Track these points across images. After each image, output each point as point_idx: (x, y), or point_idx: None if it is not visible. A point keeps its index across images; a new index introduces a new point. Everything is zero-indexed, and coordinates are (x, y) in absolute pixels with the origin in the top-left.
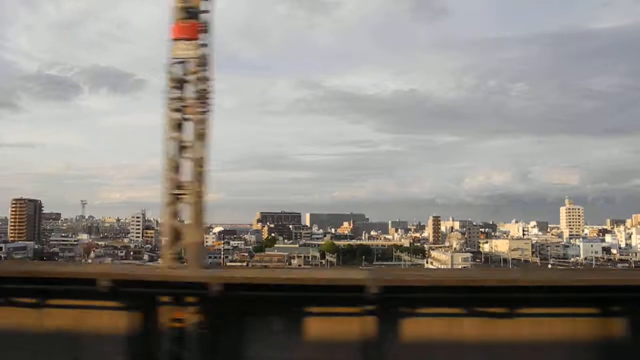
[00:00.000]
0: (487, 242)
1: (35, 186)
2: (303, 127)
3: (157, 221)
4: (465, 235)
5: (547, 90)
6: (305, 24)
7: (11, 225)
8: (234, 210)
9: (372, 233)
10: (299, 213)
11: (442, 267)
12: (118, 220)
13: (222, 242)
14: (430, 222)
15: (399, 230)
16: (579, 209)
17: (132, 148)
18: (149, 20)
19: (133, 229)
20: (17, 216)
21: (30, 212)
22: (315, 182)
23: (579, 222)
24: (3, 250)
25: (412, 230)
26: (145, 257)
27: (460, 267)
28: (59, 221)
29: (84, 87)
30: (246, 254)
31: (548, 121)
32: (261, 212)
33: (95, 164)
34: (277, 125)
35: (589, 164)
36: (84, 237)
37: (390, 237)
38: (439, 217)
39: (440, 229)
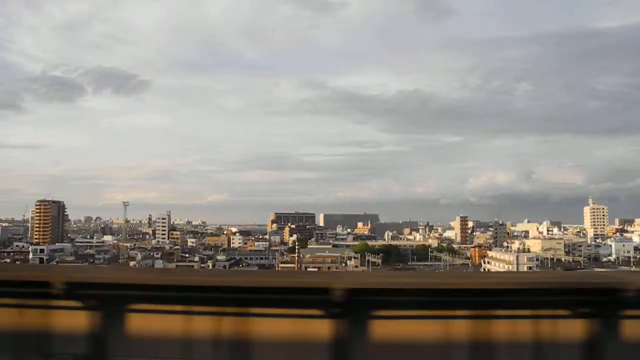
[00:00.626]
0: (515, 242)
1: (39, 187)
2: (307, 127)
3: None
4: (492, 235)
5: (551, 89)
6: (310, 24)
7: (35, 227)
8: (239, 210)
9: (388, 233)
10: (313, 214)
11: (506, 268)
12: (127, 221)
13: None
14: (457, 222)
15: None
16: (603, 209)
17: (136, 149)
18: (152, 22)
19: (158, 230)
20: (41, 217)
21: (54, 214)
22: (319, 182)
23: (603, 221)
24: (45, 252)
25: (425, 229)
26: (196, 258)
27: (525, 267)
28: (69, 222)
29: (88, 88)
30: (295, 256)
31: (552, 121)
32: (275, 213)
33: (99, 165)
34: (281, 126)
35: (593, 164)
36: (107, 238)
37: (411, 237)
38: (467, 217)
39: (467, 228)
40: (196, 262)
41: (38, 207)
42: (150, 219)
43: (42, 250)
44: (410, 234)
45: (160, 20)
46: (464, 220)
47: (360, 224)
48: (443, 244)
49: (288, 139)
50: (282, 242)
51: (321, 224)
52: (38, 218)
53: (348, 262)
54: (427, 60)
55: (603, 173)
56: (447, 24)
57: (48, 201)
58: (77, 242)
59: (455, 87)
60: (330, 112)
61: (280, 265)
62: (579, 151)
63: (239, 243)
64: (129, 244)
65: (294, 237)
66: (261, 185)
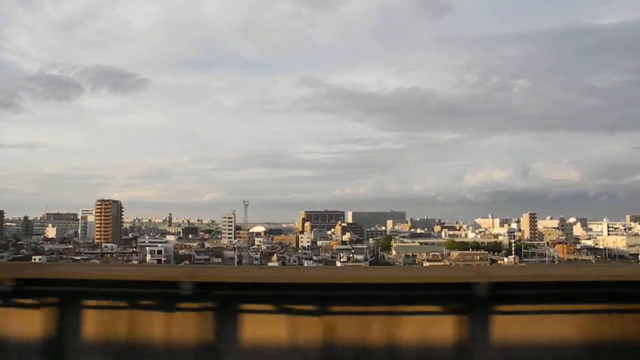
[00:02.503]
0: (590, 239)
1: (35, 186)
2: (305, 125)
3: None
4: (563, 232)
5: (549, 86)
6: (308, 22)
7: (96, 227)
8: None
9: (419, 231)
10: (343, 212)
11: None
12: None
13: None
14: (526, 218)
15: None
16: None
17: (132, 148)
18: (148, 20)
19: (225, 229)
20: (102, 217)
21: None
22: (317, 180)
23: None
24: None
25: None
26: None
27: None
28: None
29: (86, 87)
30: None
31: (550, 118)
32: (305, 212)
33: (96, 163)
34: (278, 124)
35: (590, 160)
36: (171, 238)
37: (459, 232)
38: (535, 214)
39: (536, 225)
40: (314, 260)
41: (99, 206)
42: (170, 218)
43: (159, 252)
44: (440, 230)
45: (156, 18)
46: (532, 217)
47: (389, 222)
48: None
49: (285, 136)
50: (343, 242)
51: (349, 221)
52: (99, 217)
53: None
54: (425, 57)
55: (600, 170)
56: (445, 21)
57: (108, 201)
58: (143, 242)
59: (453, 84)
60: (328, 110)
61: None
62: (576, 148)
63: (308, 242)
64: (195, 244)
65: (347, 235)
66: (259, 183)
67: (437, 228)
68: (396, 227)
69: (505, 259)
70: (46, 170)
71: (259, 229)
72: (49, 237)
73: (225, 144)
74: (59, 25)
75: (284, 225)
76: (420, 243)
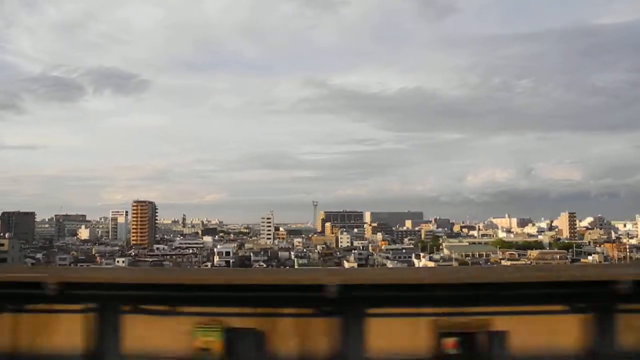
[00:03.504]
0: (632, 237)
1: (36, 188)
2: (306, 126)
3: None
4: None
5: (551, 86)
6: (310, 23)
7: (132, 228)
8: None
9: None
10: (361, 212)
11: None
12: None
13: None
14: (564, 218)
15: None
16: None
17: (134, 149)
18: (149, 21)
19: (263, 230)
20: (138, 218)
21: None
22: (318, 181)
23: None
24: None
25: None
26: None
27: None
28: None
29: (88, 89)
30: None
31: (552, 117)
32: (325, 212)
33: (98, 165)
34: (280, 125)
35: (592, 160)
36: (207, 239)
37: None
38: (574, 213)
39: (575, 225)
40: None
41: (135, 207)
42: (184, 219)
43: (227, 253)
44: (461, 230)
45: (158, 19)
46: (572, 217)
47: (408, 222)
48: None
49: (287, 137)
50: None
51: (366, 221)
52: (135, 218)
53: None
54: (428, 58)
55: (602, 169)
56: (448, 22)
57: (145, 202)
58: (180, 243)
59: (455, 84)
60: (330, 111)
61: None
62: (578, 148)
63: (347, 242)
64: (234, 244)
65: (379, 235)
66: (260, 184)
67: (456, 228)
68: (416, 227)
69: (590, 257)
70: (47, 172)
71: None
72: (83, 238)
73: (227, 145)
74: (60, 26)
75: (293, 226)
76: (469, 242)
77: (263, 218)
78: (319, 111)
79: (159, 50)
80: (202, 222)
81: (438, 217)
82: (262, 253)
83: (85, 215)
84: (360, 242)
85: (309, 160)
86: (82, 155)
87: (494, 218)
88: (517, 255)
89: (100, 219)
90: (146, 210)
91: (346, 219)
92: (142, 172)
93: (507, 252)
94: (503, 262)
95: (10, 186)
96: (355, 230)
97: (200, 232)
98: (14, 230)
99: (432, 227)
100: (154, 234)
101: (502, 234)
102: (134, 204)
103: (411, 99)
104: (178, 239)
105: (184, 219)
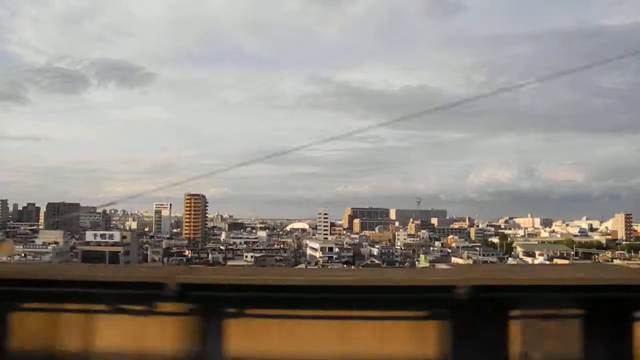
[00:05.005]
0: None
1: (38, 179)
2: (310, 122)
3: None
4: None
5: (556, 87)
6: (315, 19)
7: (186, 221)
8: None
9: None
10: (387, 209)
11: None
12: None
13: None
14: (620, 219)
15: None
16: None
17: (137, 142)
18: (153, 14)
19: (320, 226)
20: (192, 211)
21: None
22: (320, 177)
23: None
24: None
25: (504, 226)
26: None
27: None
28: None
29: (92, 81)
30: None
31: (556, 118)
32: (352, 208)
33: (100, 157)
34: (283, 120)
35: (595, 162)
36: (262, 234)
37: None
38: (631, 214)
39: (632, 226)
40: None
41: (188, 200)
42: (221, 216)
43: (330, 248)
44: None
45: (162, 12)
46: (628, 218)
47: (434, 220)
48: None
49: (290, 133)
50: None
51: (392, 218)
52: (188, 211)
53: None
54: (433, 56)
55: (605, 171)
56: (454, 20)
57: (198, 195)
58: (233, 237)
59: (460, 83)
60: (334, 107)
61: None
62: (581, 149)
63: (405, 239)
64: (290, 240)
65: (422, 232)
66: (262, 179)
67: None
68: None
69: None
70: (49, 163)
71: (302, 225)
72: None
73: (229, 140)
74: (65, 18)
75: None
76: (539, 242)
77: (320, 214)
78: (323, 107)
79: (163, 44)
80: (221, 217)
81: (455, 216)
82: (345, 250)
83: (95, 207)
84: (412, 239)
85: (312, 156)
86: (85, 147)
87: (517, 218)
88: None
89: (111, 210)
90: (199, 204)
91: (372, 216)
92: (144, 165)
93: (616, 252)
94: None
95: (12, 177)
96: (398, 226)
97: (226, 226)
98: (57, 221)
99: (463, 225)
100: (203, 227)
101: (544, 234)
102: (187, 197)
103: (415, 97)
104: (223, 233)
105: (220, 216)
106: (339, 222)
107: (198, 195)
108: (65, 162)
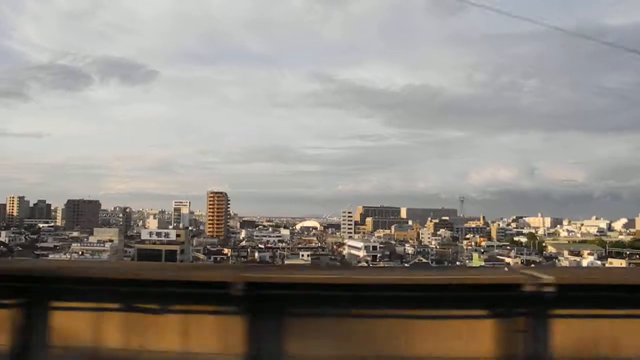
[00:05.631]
0: None
1: (39, 176)
2: (312, 120)
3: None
4: None
5: (558, 86)
6: (319, 17)
7: (209, 219)
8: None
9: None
10: (398, 207)
11: None
12: (162, 211)
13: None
14: None
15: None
16: None
17: (138, 139)
18: (156, 12)
19: (344, 225)
20: (215, 210)
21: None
22: (321, 175)
23: None
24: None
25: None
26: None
27: None
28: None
29: (95, 78)
30: None
31: (558, 117)
32: (363, 207)
33: (101, 154)
34: (285, 118)
35: (596, 161)
36: (285, 232)
37: (537, 229)
38: None
39: None
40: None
41: (211, 198)
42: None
43: (374, 247)
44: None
45: (164, 10)
46: None
47: (446, 218)
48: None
49: (291, 131)
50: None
51: (403, 216)
52: (212, 210)
53: None
54: (436, 55)
55: (606, 170)
56: (457, 19)
57: (222, 193)
58: (257, 236)
59: (462, 82)
60: (336, 105)
61: None
62: (582, 148)
63: (428, 238)
64: (314, 239)
65: (442, 231)
66: (263, 177)
67: (495, 225)
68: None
69: None
70: (51, 160)
71: (312, 223)
72: (151, 228)
73: (231, 138)
74: (67, 15)
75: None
76: (569, 241)
77: (344, 212)
78: (325, 106)
79: (165, 41)
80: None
81: (463, 215)
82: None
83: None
84: (434, 238)
85: (313, 154)
86: (87, 144)
87: (528, 217)
88: None
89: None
90: (222, 202)
91: (383, 214)
92: (145, 162)
93: None
94: None
95: (15, 174)
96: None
97: (238, 224)
98: (77, 218)
99: (478, 223)
100: (225, 225)
101: (564, 234)
102: (210, 195)
103: (417, 96)
104: (243, 231)
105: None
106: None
107: (221, 193)
108: (67, 158)
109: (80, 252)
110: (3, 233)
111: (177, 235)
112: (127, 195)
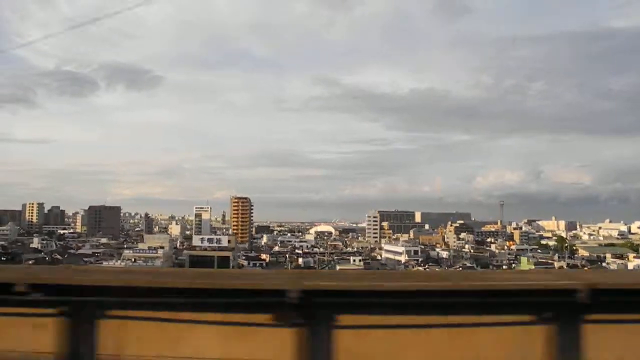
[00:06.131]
0: None
1: (46, 182)
2: (317, 124)
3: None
4: None
5: (564, 89)
6: (324, 22)
7: (233, 225)
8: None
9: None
10: (413, 212)
11: None
12: (172, 217)
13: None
14: None
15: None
16: None
17: (144, 144)
18: (161, 18)
19: (370, 229)
20: (239, 215)
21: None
22: (327, 180)
23: None
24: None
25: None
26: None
27: None
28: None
29: (101, 84)
30: None
31: (564, 120)
32: (379, 211)
33: (107, 160)
34: (291, 123)
35: (602, 163)
36: (310, 237)
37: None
38: None
39: None
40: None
41: (236, 203)
42: (224, 216)
43: (416, 252)
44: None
45: (169, 16)
46: None
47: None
48: None
49: (297, 135)
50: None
51: (418, 221)
52: (236, 215)
53: None
54: (441, 59)
55: (612, 173)
56: (462, 22)
57: (246, 198)
58: (281, 241)
59: (467, 85)
60: (341, 110)
61: None
62: (588, 151)
63: (455, 241)
64: (339, 243)
65: (464, 235)
66: (268, 182)
67: (509, 228)
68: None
69: None
70: (57, 166)
71: (327, 228)
72: (174, 234)
73: (236, 142)
74: (72, 22)
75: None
76: (598, 244)
77: (369, 217)
78: (330, 110)
79: (170, 47)
80: (223, 219)
81: (475, 219)
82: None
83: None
84: (459, 242)
85: (318, 159)
86: (92, 149)
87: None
88: None
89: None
90: (247, 207)
91: (399, 219)
92: (151, 168)
93: None
94: None
95: (20, 179)
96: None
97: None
98: (99, 224)
99: (495, 227)
100: (251, 230)
101: (585, 237)
102: (235, 200)
103: (423, 100)
104: (264, 236)
105: (223, 217)
106: (361, 225)
107: (245, 198)
108: (73, 164)
109: (132, 259)
110: (35, 239)
111: (228, 242)
112: (132, 201)
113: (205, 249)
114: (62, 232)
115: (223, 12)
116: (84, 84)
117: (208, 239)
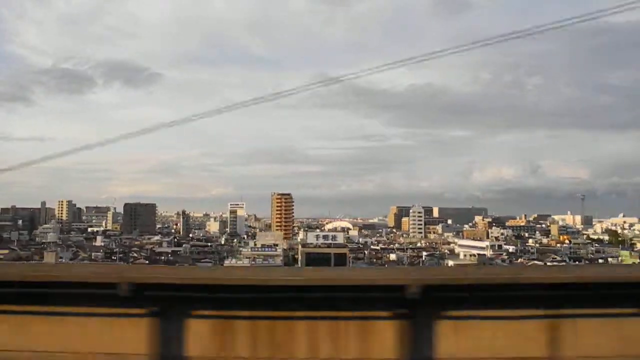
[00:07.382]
0: None
1: (42, 180)
2: (315, 121)
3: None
4: None
5: (562, 84)
6: (322, 18)
7: (276, 223)
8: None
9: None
10: (430, 207)
11: None
12: (182, 214)
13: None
14: None
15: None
16: None
17: (142, 142)
18: (158, 15)
19: (414, 225)
20: (282, 213)
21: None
22: (324, 176)
23: None
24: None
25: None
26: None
27: None
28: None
29: (98, 81)
30: None
31: (562, 115)
32: (397, 207)
33: (104, 157)
34: (289, 119)
35: (600, 158)
36: (353, 233)
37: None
38: None
39: None
40: None
41: (279, 200)
42: (255, 216)
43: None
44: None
45: (166, 13)
46: None
47: (477, 218)
48: None
49: (295, 132)
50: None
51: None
52: (279, 213)
53: None
54: (440, 54)
55: (610, 168)
56: (461, 18)
57: (288, 194)
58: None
59: (466, 81)
60: (339, 106)
61: None
62: (586, 146)
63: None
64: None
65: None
66: (266, 178)
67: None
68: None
69: None
70: (54, 164)
71: (344, 224)
72: (212, 231)
73: (234, 139)
74: (69, 19)
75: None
76: None
77: (414, 212)
78: (328, 106)
79: (167, 44)
80: (255, 216)
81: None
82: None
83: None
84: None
85: (316, 155)
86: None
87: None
88: None
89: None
90: (289, 204)
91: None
92: (148, 165)
93: None
94: None
95: (18, 178)
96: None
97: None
98: (135, 221)
99: (519, 222)
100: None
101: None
102: (278, 197)
103: (422, 96)
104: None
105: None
106: (380, 220)
107: (288, 194)
108: (71, 162)
109: (252, 258)
110: (99, 238)
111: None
112: (130, 198)
113: (319, 246)
114: (96, 229)
115: (221, 9)
116: (82, 81)
117: (323, 235)
